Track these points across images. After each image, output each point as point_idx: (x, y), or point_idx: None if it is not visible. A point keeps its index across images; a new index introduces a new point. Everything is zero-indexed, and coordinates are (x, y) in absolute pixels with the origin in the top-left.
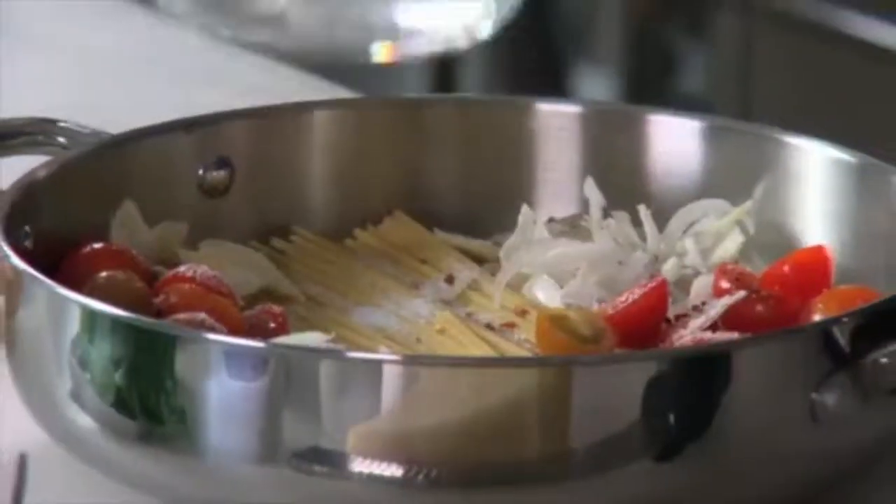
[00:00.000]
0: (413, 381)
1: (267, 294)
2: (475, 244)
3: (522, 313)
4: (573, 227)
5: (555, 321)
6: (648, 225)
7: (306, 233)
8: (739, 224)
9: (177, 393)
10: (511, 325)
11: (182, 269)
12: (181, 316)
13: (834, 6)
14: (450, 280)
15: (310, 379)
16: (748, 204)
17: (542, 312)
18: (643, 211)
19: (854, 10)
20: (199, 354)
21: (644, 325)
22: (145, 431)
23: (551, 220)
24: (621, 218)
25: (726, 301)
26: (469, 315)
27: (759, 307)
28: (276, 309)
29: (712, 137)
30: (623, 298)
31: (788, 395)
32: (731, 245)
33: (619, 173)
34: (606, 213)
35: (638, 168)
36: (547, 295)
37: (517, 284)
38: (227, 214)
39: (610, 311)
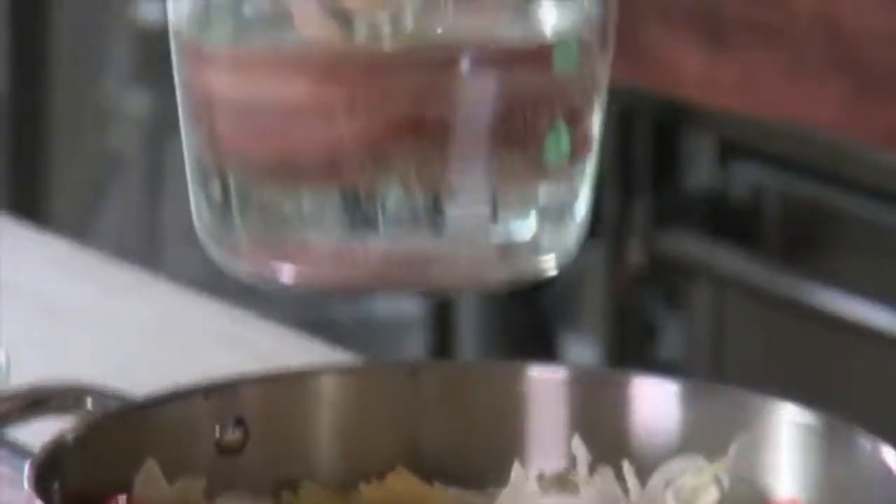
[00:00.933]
0: None
1: None
2: (471, 496)
3: None
4: (561, 482)
5: None
6: (631, 480)
7: (315, 487)
8: (715, 479)
9: None
10: None
11: None
12: None
13: (799, 281)
14: None
15: None
16: (723, 461)
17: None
18: (626, 467)
19: (819, 286)
20: None
21: None
22: None
23: (541, 476)
24: (606, 473)
25: None
26: None
27: None
28: None
29: (689, 399)
30: None
31: None
32: (708, 500)
33: (603, 431)
34: (592, 469)
35: (621, 426)
36: None
37: None
38: (243, 470)
39: None
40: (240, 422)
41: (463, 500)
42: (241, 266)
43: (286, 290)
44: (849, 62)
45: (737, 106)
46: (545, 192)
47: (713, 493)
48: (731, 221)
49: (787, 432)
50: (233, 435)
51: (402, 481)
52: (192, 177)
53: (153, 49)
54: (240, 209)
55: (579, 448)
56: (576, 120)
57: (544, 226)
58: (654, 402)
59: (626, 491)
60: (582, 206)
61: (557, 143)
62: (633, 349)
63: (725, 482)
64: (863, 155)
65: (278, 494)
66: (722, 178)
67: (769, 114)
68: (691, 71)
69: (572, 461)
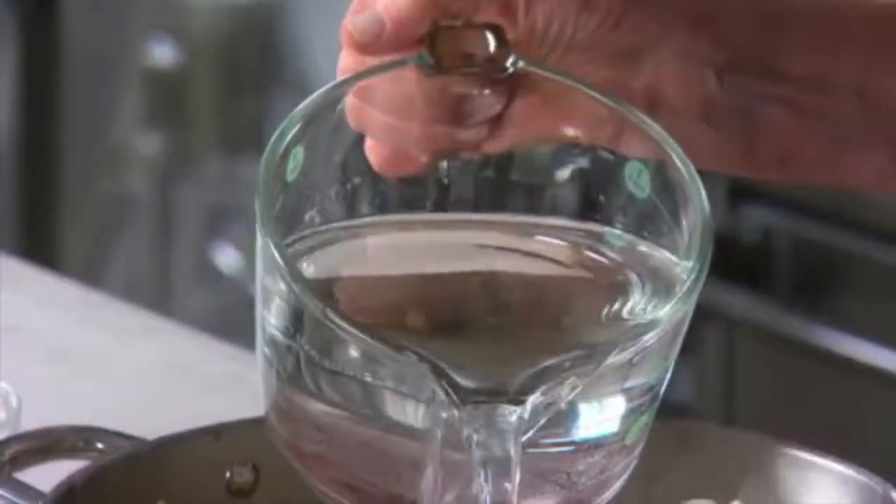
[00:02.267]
0: None
1: None
2: None
3: None
4: None
5: None
6: None
7: None
8: None
9: None
10: None
11: None
12: None
13: (810, 323)
14: None
15: None
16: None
17: None
18: None
19: (830, 328)
20: None
21: None
22: None
23: None
24: None
25: None
26: None
27: None
28: None
29: (699, 441)
30: None
31: None
32: None
33: None
34: None
35: (633, 469)
36: None
37: None
38: None
39: None
40: (251, 465)
41: None
42: None
43: None
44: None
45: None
46: None
47: None
48: (741, 263)
49: (797, 475)
50: (243, 478)
51: None
52: None
53: (164, 92)
54: None
55: None
56: None
57: None
58: (664, 443)
59: None
60: None
61: None
62: None
63: None
64: (873, 198)
65: None
66: (732, 220)
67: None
68: None
69: None
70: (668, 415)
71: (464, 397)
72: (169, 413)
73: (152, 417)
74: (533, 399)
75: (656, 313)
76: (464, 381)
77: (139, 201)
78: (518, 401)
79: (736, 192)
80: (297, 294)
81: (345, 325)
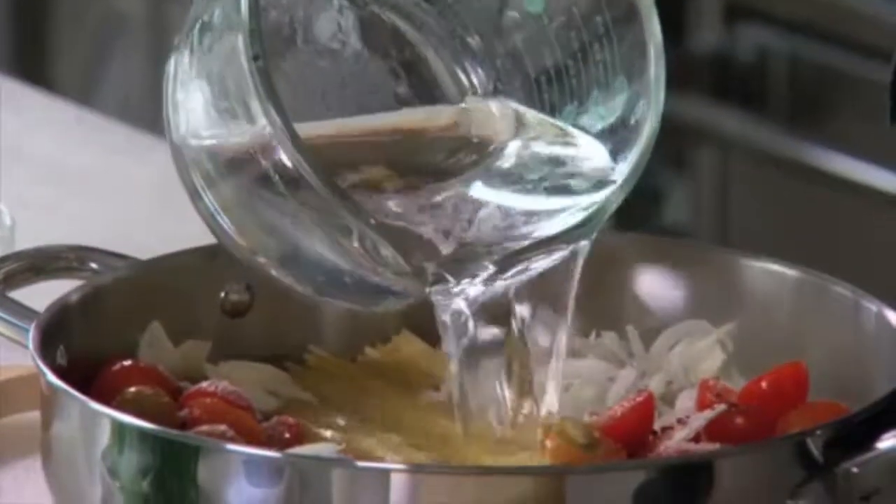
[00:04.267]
0: (418, 489)
1: (285, 407)
2: None
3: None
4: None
5: (557, 432)
6: (636, 344)
7: (320, 351)
8: (720, 343)
9: (200, 500)
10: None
11: (205, 384)
12: (204, 428)
13: (805, 143)
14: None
15: (322, 487)
16: (728, 326)
17: (545, 424)
18: (631, 331)
19: (825, 148)
20: (221, 464)
21: (632, 436)
22: None
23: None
24: (610, 338)
25: (708, 414)
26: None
27: (739, 420)
28: (291, 420)
29: (693, 262)
30: (613, 411)
31: (766, 502)
32: (712, 363)
33: (609, 296)
34: (597, 334)
35: (627, 291)
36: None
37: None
38: (247, 334)
39: (601, 423)
40: (245, 285)
41: None
42: None
43: None
44: None
45: None
46: None
47: (718, 357)
48: (736, 84)
49: (791, 295)
50: (238, 298)
51: (407, 344)
52: None
53: None
54: None
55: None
56: None
57: None
58: (659, 265)
59: (630, 354)
60: None
61: None
62: (637, 213)
63: (730, 346)
64: (869, 16)
65: (283, 357)
66: (727, 40)
67: None
68: None
69: (576, 328)
70: (662, 236)
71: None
72: (164, 233)
73: (147, 237)
74: None
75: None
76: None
77: (133, 19)
78: None
79: (731, 11)
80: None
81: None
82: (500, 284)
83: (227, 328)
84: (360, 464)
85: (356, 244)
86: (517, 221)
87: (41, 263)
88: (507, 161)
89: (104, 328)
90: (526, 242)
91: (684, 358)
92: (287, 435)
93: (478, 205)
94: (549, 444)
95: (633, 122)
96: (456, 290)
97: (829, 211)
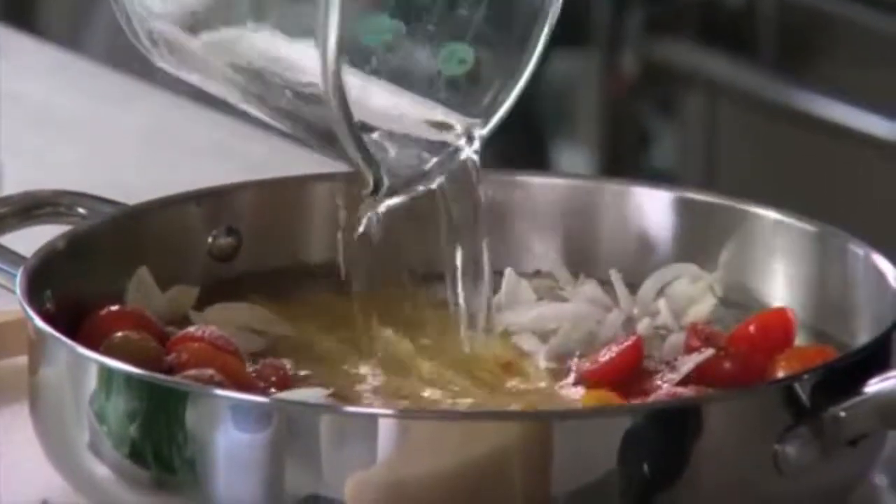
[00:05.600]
0: (406, 434)
1: (272, 348)
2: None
3: (508, 365)
4: (553, 289)
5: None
6: (620, 288)
7: (310, 294)
8: (711, 288)
9: (187, 444)
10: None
11: (192, 329)
12: (191, 373)
13: (793, 88)
14: (444, 331)
15: (310, 432)
16: (718, 273)
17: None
18: (614, 275)
19: (813, 92)
20: (208, 409)
21: (620, 379)
22: (158, 480)
23: (538, 272)
24: (593, 286)
25: (696, 358)
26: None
27: (727, 364)
28: (278, 363)
29: (681, 207)
30: (601, 354)
31: (754, 447)
32: (703, 307)
33: (596, 240)
34: (584, 278)
35: (613, 235)
36: (531, 348)
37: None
38: (235, 279)
39: (589, 367)
40: (232, 229)
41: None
42: None
43: None
44: None
45: None
46: None
47: (709, 301)
48: (724, 28)
49: (779, 240)
50: (225, 242)
51: (395, 281)
52: None
53: None
54: None
55: (559, 268)
56: None
57: None
58: (647, 210)
59: (616, 299)
60: None
61: None
62: (626, 157)
63: (718, 290)
64: None
65: (270, 303)
66: None
67: None
68: None
69: (563, 272)
70: (650, 181)
71: None
72: (151, 179)
73: (134, 183)
74: None
75: None
76: None
77: None
78: None
79: None
80: None
81: None
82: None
83: (216, 273)
84: (348, 409)
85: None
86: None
87: (29, 209)
88: None
89: (92, 273)
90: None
91: (675, 302)
92: (274, 378)
93: None
94: None
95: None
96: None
97: (817, 155)
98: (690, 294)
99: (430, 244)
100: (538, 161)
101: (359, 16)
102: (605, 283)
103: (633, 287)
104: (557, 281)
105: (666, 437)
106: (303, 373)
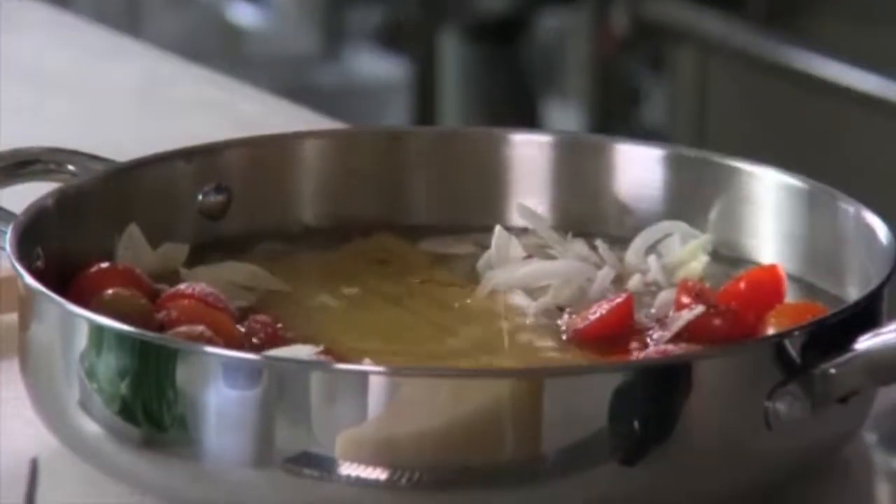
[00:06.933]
0: (396, 391)
1: (262, 305)
2: (456, 248)
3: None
4: (541, 247)
5: None
6: (606, 254)
7: (300, 249)
8: (703, 245)
9: (177, 402)
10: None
11: (182, 286)
12: (181, 330)
13: (784, 45)
14: (431, 284)
15: (300, 389)
16: (708, 231)
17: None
18: (601, 244)
19: (804, 49)
20: (199, 366)
21: (611, 336)
22: (148, 437)
23: (526, 230)
24: (582, 243)
25: (687, 315)
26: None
27: (717, 321)
28: (268, 319)
29: (672, 164)
30: (591, 311)
31: (744, 403)
32: (695, 265)
33: (585, 197)
34: (573, 235)
35: (603, 192)
36: (521, 305)
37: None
38: (225, 237)
39: (579, 324)
40: (222, 187)
41: (447, 251)
42: None
43: None
44: None
45: None
46: None
47: (701, 260)
48: None
49: (770, 197)
50: (215, 199)
51: (386, 239)
52: None
53: None
54: None
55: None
56: None
57: None
58: (637, 167)
59: (603, 259)
60: None
61: None
62: (616, 114)
63: (709, 247)
64: None
65: (261, 259)
66: None
67: None
68: None
69: (554, 226)
70: (640, 138)
71: None
72: (142, 136)
73: (125, 139)
74: None
75: None
76: None
77: None
78: None
79: None
80: None
81: None
82: None
83: (206, 230)
84: (338, 366)
85: None
86: None
87: (18, 165)
88: None
89: (82, 230)
90: None
91: (666, 259)
92: (263, 334)
93: None
94: None
95: None
96: None
97: (808, 112)
98: (682, 252)
99: (424, 197)
100: (528, 118)
101: None
102: (594, 240)
103: (623, 244)
104: (544, 238)
105: (656, 394)
106: (293, 329)
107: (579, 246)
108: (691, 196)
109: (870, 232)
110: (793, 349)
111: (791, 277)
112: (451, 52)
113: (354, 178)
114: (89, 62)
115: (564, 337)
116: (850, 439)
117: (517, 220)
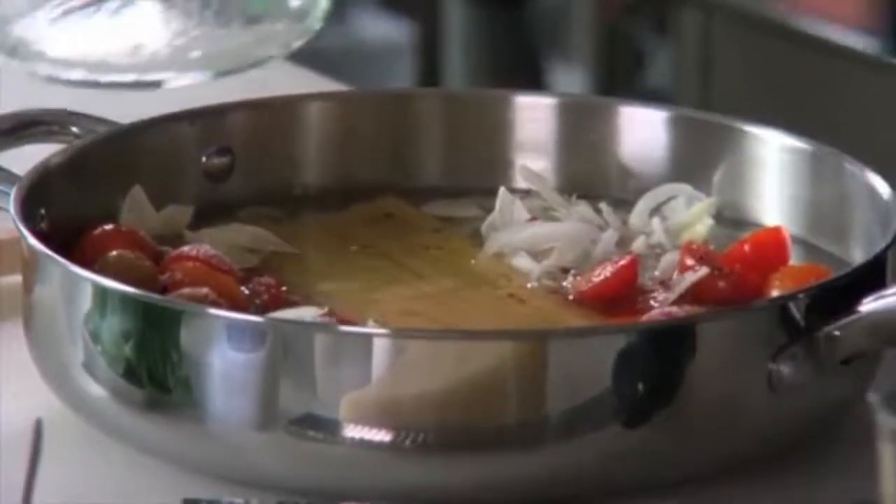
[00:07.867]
0: (400, 353)
1: (266, 266)
2: (460, 211)
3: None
4: (546, 209)
5: None
6: (610, 217)
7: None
8: (706, 209)
9: (182, 364)
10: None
11: (186, 248)
12: (185, 292)
13: (787, 5)
14: (437, 249)
15: (305, 351)
16: (713, 193)
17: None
18: (605, 207)
19: (806, 11)
20: (203, 328)
21: (615, 298)
22: (152, 400)
23: (530, 192)
24: (585, 205)
25: (691, 277)
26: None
27: (721, 283)
28: (272, 281)
29: (676, 127)
30: (596, 273)
31: (748, 366)
32: (700, 228)
33: (590, 159)
34: (576, 198)
35: (608, 155)
36: (526, 267)
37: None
38: (230, 199)
39: (584, 286)
40: (226, 149)
41: (451, 213)
42: None
43: None
44: None
45: None
46: None
47: (705, 222)
48: None
49: (774, 159)
50: (219, 162)
51: (390, 202)
52: None
53: None
54: None
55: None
56: None
57: None
58: (641, 129)
59: (607, 221)
60: None
61: None
62: (621, 77)
63: (713, 209)
64: None
65: (265, 221)
66: None
67: None
68: None
69: (559, 188)
70: (644, 101)
71: None
72: (146, 97)
73: (128, 101)
74: None
75: None
76: None
77: None
78: None
79: None
80: None
81: None
82: None
83: (210, 193)
84: (343, 328)
85: None
86: None
87: (21, 127)
88: None
89: (86, 192)
90: None
91: (670, 221)
92: (266, 296)
93: None
94: None
95: None
96: None
97: (812, 74)
98: (686, 214)
99: (428, 160)
100: (532, 81)
101: None
102: (598, 203)
103: (627, 206)
104: (548, 201)
105: (660, 356)
106: (297, 291)
107: (583, 208)
108: (695, 158)
109: (875, 193)
110: (797, 311)
111: (795, 239)
112: (457, 13)
113: (359, 141)
114: None
115: (570, 298)
116: (854, 401)
117: (521, 182)
